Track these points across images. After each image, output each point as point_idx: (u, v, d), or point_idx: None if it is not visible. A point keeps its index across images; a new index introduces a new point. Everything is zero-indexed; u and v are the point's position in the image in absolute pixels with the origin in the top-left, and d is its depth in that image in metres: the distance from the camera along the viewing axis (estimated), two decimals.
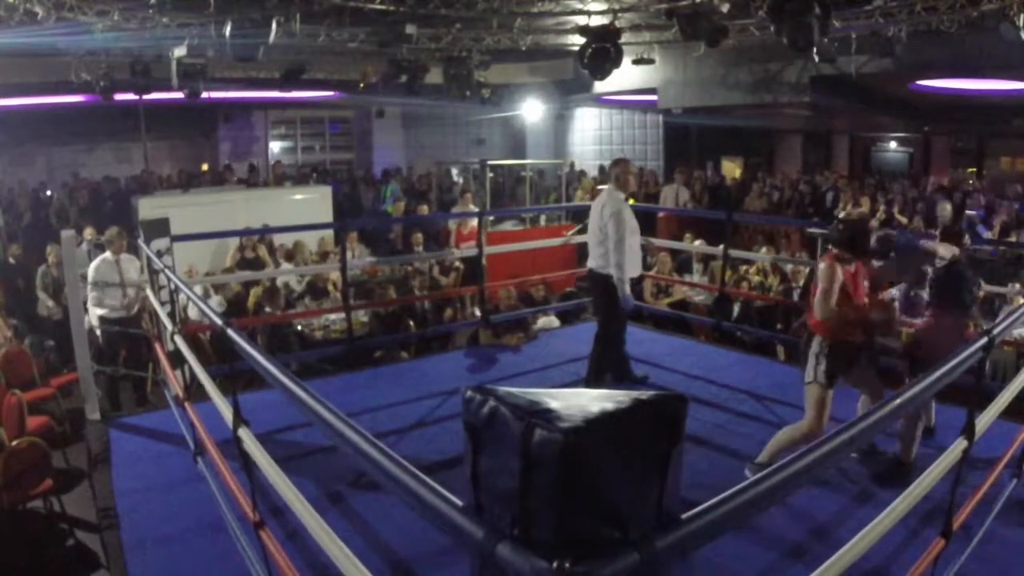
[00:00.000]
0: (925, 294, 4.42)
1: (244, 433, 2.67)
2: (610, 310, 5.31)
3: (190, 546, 3.53)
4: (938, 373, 2.30)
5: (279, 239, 9.25)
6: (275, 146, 16.43)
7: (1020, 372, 3.32)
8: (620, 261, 5.09)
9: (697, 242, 9.08)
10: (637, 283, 6.09)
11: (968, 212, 9.31)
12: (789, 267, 8.18)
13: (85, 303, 6.02)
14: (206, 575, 3.35)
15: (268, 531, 2.70)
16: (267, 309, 7.45)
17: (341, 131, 17.22)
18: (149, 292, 5.67)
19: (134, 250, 6.52)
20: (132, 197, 10.28)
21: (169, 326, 4.79)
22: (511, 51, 11.50)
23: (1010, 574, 3.22)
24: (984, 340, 2.50)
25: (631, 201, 6.16)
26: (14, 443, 4.75)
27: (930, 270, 4.30)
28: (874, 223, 7.32)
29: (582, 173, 14.76)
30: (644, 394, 1.48)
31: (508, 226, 11.15)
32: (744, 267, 8.48)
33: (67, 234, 5.30)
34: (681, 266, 9.67)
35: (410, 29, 8.83)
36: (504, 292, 7.27)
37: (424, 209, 11.82)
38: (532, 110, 15.43)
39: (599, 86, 13.14)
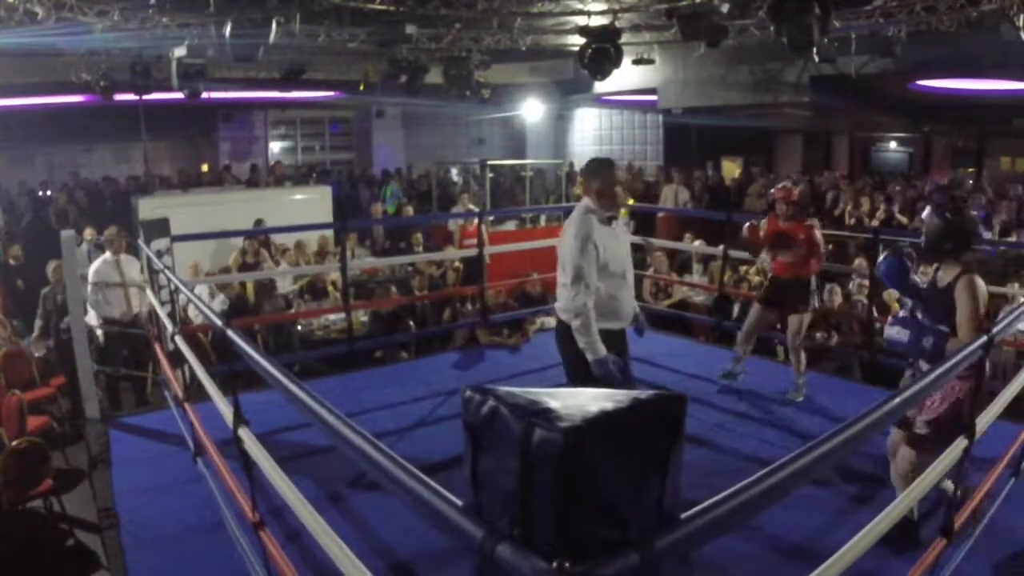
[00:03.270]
0: None
1: (244, 433, 2.67)
2: (578, 372, 3.57)
3: (190, 546, 3.53)
4: (939, 371, 2.30)
5: (279, 241, 9.24)
6: (275, 146, 16.43)
7: (1020, 372, 3.32)
8: (583, 314, 3.42)
9: (697, 242, 9.08)
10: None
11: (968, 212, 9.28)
12: None
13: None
14: (206, 575, 3.35)
15: (268, 531, 2.70)
16: (267, 308, 7.45)
17: (341, 131, 17.22)
18: (149, 292, 5.67)
19: (134, 250, 6.52)
20: (132, 197, 10.28)
21: (169, 326, 4.79)
22: (511, 51, 11.49)
23: (1011, 575, 3.21)
24: (984, 339, 2.50)
25: (630, 201, 5.93)
26: (14, 443, 4.75)
27: None
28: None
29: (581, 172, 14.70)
30: (644, 394, 1.48)
31: (508, 226, 11.14)
32: (744, 267, 8.47)
33: (67, 234, 5.29)
34: (681, 266, 9.66)
35: (410, 29, 8.83)
36: (489, 293, 7.24)
37: (409, 211, 11.86)
38: (532, 110, 15.43)
39: (599, 86, 13.13)
